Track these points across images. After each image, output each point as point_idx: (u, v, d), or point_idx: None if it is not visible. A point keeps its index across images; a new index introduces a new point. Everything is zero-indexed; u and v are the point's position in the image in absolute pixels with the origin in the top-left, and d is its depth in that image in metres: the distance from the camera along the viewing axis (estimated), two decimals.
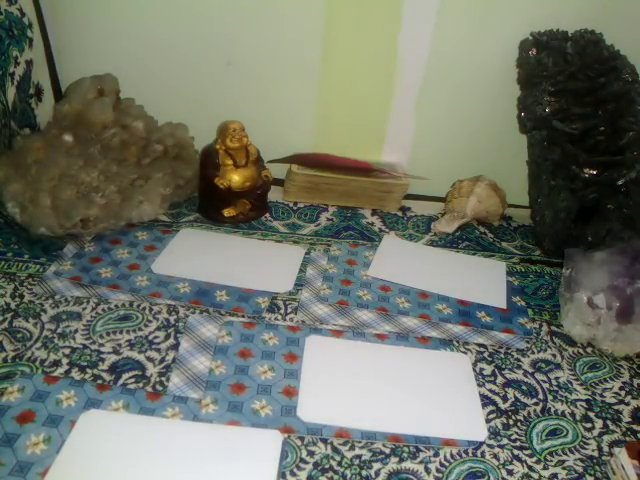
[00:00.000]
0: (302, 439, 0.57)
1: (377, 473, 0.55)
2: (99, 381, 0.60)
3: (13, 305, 0.69)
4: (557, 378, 0.70)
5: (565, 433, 0.62)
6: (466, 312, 0.78)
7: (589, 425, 0.64)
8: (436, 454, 0.58)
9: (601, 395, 0.68)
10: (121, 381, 0.61)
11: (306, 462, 0.55)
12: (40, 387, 0.58)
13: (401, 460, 0.57)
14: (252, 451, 0.55)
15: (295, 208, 0.99)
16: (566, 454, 0.60)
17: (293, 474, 0.54)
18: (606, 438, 0.62)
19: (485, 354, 0.72)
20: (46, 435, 0.53)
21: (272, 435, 0.57)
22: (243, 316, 0.72)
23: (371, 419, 0.60)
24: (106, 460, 0.52)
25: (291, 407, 0.60)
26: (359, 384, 0.65)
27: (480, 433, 0.61)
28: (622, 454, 0.57)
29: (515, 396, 0.66)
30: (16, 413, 0.55)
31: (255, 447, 0.55)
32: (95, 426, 0.55)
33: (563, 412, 0.65)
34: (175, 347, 0.66)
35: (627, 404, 0.67)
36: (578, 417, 0.65)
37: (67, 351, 0.64)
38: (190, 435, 0.56)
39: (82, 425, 0.54)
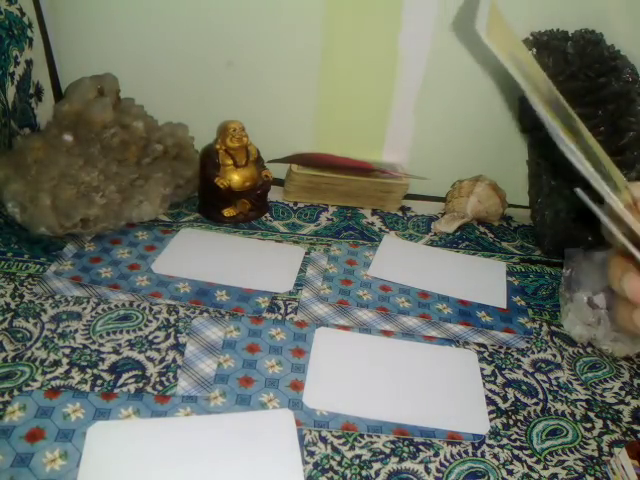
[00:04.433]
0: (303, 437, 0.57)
1: (377, 473, 0.55)
2: (101, 388, 0.60)
3: (13, 305, 0.69)
4: (557, 378, 0.70)
5: (565, 433, 0.62)
6: (466, 312, 0.78)
7: (589, 425, 0.64)
8: (436, 454, 0.58)
9: (601, 395, 0.68)
10: (121, 381, 0.61)
11: (306, 462, 0.55)
12: (42, 403, 0.57)
13: (401, 460, 0.57)
14: (270, 431, 0.56)
15: (295, 208, 0.99)
16: (566, 454, 0.60)
17: None
18: (606, 438, 0.62)
19: (485, 354, 0.72)
20: (61, 450, 0.52)
21: (284, 413, 0.59)
22: (243, 316, 0.72)
23: (377, 410, 0.61)
24: (130, 467, 0.52)
25: (298, 400, 0.61)
26: (365, 375, 0.65)
27: (483, 426, 0.61)
28: (622, 454, 0.57)
29: (515, 396, 0.66)
30: (23, 432, 0.53)
31: (272, 427, 0.57)
32: (108, 436, 0.54)
33: (563, 412, 0.65)
34: (175, 347, 0.66)
35: (627, 404, 0.67)
36: (578, 417, 0.65)
37: (67, 351, 0.64)
38: (206, 428, 0.56)
39: (92, 438, 0.54)
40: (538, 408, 0.65)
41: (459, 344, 0.73)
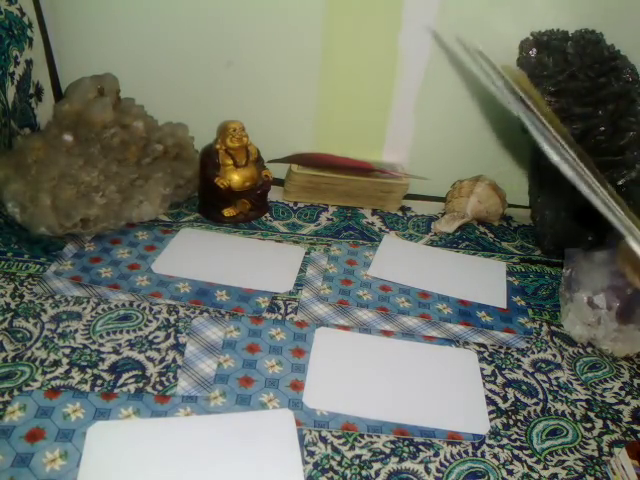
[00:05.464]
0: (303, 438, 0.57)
1: (377, 473, 0.55)
2: (101, 388, 0.60)
3: (13, 305, 0.69)
4: (557, 378, 0.70)
5: (565, 433, 0.62)
6: (466, 312, 0.78)
7: (589, 425, 0.64)
8: (436, 454, 0.58)
9: (601, 395, 0.68)
10: (121, 381, 0.61)
11: (306, 462, 0.55)
12: (42, 403, 0.57)
13: (401, 460, 0.57)
14: (270, 431, 0.57)
15: (295, 208, 0.99)
16: (566, 454, 0.60)
17: None
18: (606, 438, 0.62)
19: (485, 354, 0.72)
20: (61, 450, 0.52)
21: (284, 413, 0.59)
22: (243, 316, 0.72)
23: (377, 410, 0.61)
24: (130, 467, 0.52)
25: (298, 400, 0.61)
26: (366, 376, 0.66)
27: (483, 426, 0.61)
28: (622, 454, 0.57)
29: (515, 396, 0.66)
30: (23, 432, 0.53)
31: (272, 427, 0.57)
32: (108, 436, 0.54)
33: (563, 412, 0.65)
34: (175, 347, 0.66)
35: (627, 404, 0.67)
36: (578, 417, 0.65)
37: (67, 351, 0.64)
38: (206, 428, 0.56)
39: (92, 438, 0.54)
40: (538, 408, 0.65)
41: (459, 344, 0.73)
